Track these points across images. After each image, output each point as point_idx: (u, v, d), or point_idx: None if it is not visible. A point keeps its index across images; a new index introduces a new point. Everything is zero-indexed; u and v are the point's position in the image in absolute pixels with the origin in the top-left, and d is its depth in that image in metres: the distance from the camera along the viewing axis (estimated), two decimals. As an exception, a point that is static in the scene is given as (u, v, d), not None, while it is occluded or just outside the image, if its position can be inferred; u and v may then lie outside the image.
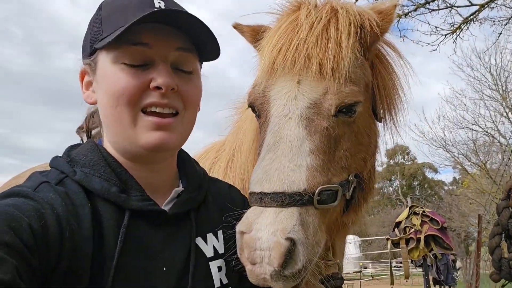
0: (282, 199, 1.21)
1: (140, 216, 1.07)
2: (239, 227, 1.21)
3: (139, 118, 1.07)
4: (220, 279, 1.20)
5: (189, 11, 1.14)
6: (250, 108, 1.57)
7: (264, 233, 1.15)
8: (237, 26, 1.73)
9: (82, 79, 1.19)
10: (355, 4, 1.61)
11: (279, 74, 1.42)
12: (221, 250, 1.24)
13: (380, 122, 1.70)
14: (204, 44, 1.16)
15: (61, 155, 1.14)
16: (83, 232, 0.97)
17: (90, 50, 1.11)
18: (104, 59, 1.08)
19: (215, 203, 1.32)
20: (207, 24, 1.12)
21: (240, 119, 2.14)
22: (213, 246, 1.22)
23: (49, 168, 1.11)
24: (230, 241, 1.26)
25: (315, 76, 1.37)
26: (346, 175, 1.41)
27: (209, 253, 1.20)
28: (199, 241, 1.19)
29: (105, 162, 1.10)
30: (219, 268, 1.21)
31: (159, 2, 1.08)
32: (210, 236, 1.23)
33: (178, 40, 1.11)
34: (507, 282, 1.39)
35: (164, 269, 1.07)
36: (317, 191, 1.25)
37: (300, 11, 1.49)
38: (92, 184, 1.04)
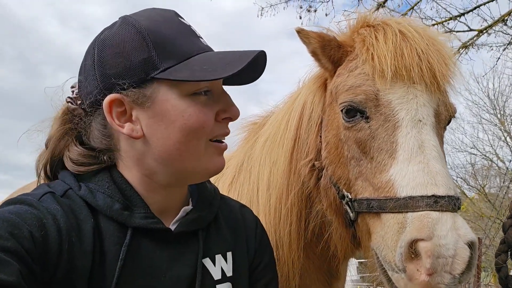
0: (455, 203, 1.18)
1: (144, 234, 1.05)
2: (411, 234, 1.14)
3: (207, 146, 1.09)
4: None
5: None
6: (344, 110, 1.47)
7: (449, 240, 1.10)
8: (301, 31, 1.62)
9: (111, 107, 1.03)
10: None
11: (398, 80, 1.40)
12: (229, 273, 1.17)
13: None
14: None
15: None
16: (83, 246, 0.96)
17: (139, 78, 1.01)
18: (167, 92, 1.02)
19: (227, 223, 1.26)
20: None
21: (247, 137, 2.15)
22: (221, 268, 1.16)
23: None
24: (240, 264, 1.22)
25: (433, 87, 1.39)
26: None
27: (216, 275, 1.14)
28: (207, 262, 1.14)
29: (110, 177, 1.08)
30: None
31: (198, 32, 1.12)
32: (219, 257, 1.17)
33: None
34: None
35: None
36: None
37: (394, 24, 1.48)
38: (95, 200, 1.02)
